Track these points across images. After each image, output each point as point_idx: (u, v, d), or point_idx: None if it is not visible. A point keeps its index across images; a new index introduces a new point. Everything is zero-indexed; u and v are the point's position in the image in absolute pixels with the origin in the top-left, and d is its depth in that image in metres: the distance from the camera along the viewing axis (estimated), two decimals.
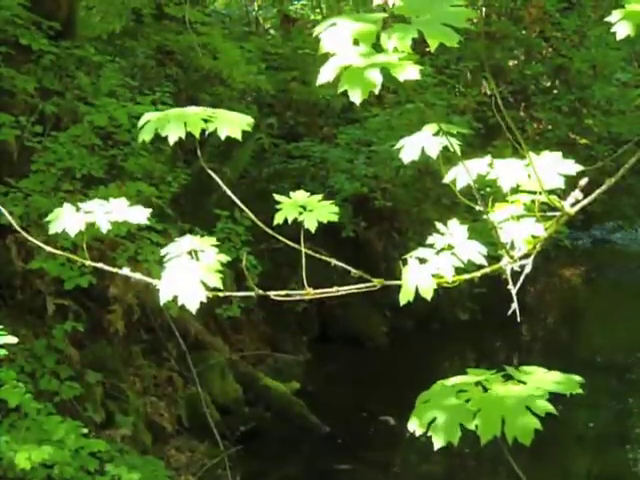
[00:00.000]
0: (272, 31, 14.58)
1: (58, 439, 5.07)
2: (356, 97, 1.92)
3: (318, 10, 15.56)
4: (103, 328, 7.76)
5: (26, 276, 7.28)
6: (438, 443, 2.03)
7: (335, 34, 1.97)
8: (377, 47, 1.96)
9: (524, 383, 2.08)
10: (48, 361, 6.82)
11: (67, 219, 2.40)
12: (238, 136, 2.22)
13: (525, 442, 1.96)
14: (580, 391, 2.09)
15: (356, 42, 1.96)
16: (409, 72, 1.93)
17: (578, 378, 2.13)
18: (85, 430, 5.37)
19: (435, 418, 2.04)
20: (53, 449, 4.79)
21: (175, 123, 2.21)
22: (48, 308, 7.30)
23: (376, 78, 1.92)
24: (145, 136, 2.24)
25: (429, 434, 2.05)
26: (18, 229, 2.52)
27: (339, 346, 10.49)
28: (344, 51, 1.95)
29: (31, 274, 7.18)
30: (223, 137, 2.23)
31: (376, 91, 1.92)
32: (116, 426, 7.26)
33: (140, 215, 2.44)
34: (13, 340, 4.88)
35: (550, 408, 2.01)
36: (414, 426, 2.08)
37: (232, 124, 2.23)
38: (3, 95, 7.48)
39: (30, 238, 2.54)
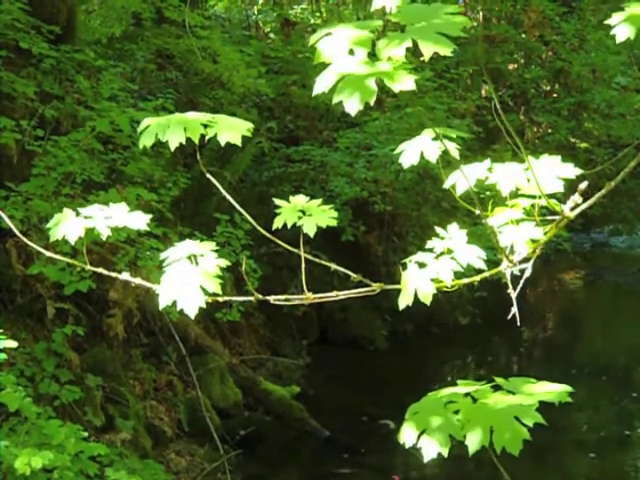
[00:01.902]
0: (272, 35, 14.59)
1: (58, 443, 5.06)
2: (351, 108, 1.93)
3: (318, 14, 15.58)
4: (103, 332, 7.76)
5: (26, 280, 7.28)
6: (428, 455, 2.04)
7: (331, 43, 1.97)
8: (373, 56, 1.96)
9: (513, 393, 2.09)
10: (48, 365, 6.82)
11: (67, 225, 2.40)
12: (238, 142, 2.22)
13: (513, 452, 1.96)
14: (569, 400, 2.09)
15: (351, 51, 1.96)
16: (404, 82, 1.94)
17: (567, 387, 2.13)
18: (85, 434, 5.36)
19: (425, 430, 2.05)
20: (53, 453, 4.79)
21: (175, 128, 2.21)
22: (48, 312, 7.30)
23: (371, 88, 1.92)
24: (145, 141, 2.24)
25: (419, 446, 2.06)
26: (19, 235, 2.51)
27: (339, 350, 10.49)
28: (340, 60, 1.95)
29: (31, 278, 7.18)
30: (223, 143, 2.23)
31: (371, 102, 1.93)
32: (116, 430, 7.25)
33: (140, 221, 2.44)
34: (13, 344, 4.88)
35: (539, 418, 2.01)
36: (404, 438, 2.08)
37: (232, 129, 2.23)
38: (3, 99, 7.49)
39: (30, 244, 2.54)
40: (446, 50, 1.89)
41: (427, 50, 1.90)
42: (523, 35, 14.73)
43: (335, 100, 1.94)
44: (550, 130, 14.32)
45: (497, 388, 2.12)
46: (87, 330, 7.36)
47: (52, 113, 7.57)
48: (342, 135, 11.24)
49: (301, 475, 7.97)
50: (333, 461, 7.96)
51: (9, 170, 7.42)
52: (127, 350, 8.12)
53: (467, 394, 2.09)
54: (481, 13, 14.71)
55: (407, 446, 2.10)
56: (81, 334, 7.12)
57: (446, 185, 2.55)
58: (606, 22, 2.23)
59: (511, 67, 14.84)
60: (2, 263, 7.27)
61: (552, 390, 2.12)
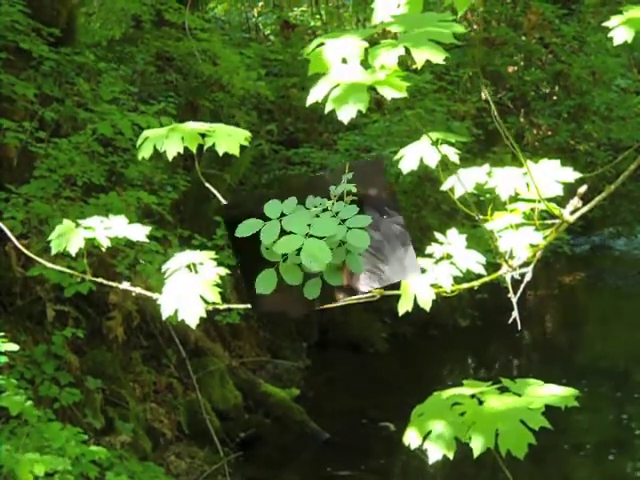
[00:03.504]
0: (272, 37, 14.60)
1: (58, 447, 5.06)
2: (344, 116, 1.93)
3: (318, 17, 15.58)
4: (103, 334, 7.76)
5: (26, 282, 7.28)
6: (434, 456, 2.05)
7: (325, 53, 1.98)
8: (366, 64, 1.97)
9: (519, 396, 2.09)
10: (48, 367, 6.82)
11: (68, 238, 2.43)
12: (236, 152, 2.23)
13: (519, 455, 1.96)
14: (576, 404, 2.09)
15: (344, 61, 1.97)
16: (396, 91, 1.94)
17: (574, 391, 2.13)
18: (85, 437, 5.36)
19: (430, 431, 2.05)
20: (54, 458, 4.78)
21: (173, 139, 2.22)
22: (48, 314, 7.30)
23: (364, 97, 1.93)
24: (144, 153, 2.25)
25: (424, 447, 2.06)
26: (17, 244, 2.52)
27: (339, 352, 10.49)
28: (334, 70, 1.96)
29: (31, 280, 7.18)
30: (221, 153, 2.24)
31: (363, 110, 1.93)
32: (116, 432, 7.25)
33: (139, 233, 2.46)
34: (14, 347, 4.88)
35: (545, 422, 2.01)
36: (410, 439, 2.09)
37: (230, 138, 2.24)
38: (3, 101, 7.49)
39: (30, 254, 2.55)
40: (438, 58, 1.89)
41: (419, 57, 1.90)
42: (523, 37, 14.72)
43: (327, 109, 1.95)
44: (550, 133, 14.31)
45: (503, 389, 2.12)
46: (87, 333, 7.36)
47: (52, 115, 7.57)
48: (342, 137, 11.24)
49: (301, 477, 7.97)
50: (333, 464, 7.96)
51: (9, 172, 7.43)
52: (127, 353, 8.12)
53: (473, 396, 2.09)
54: (480, 15, 14.70)
55: (412, 448, 2.10)
56: (81, 337, 7.12)
57: (444, 188, 2.55)
58: (604, 24, 2.23)
59: (511, 69, 14.83)
60: (2, 266, 7.27)
61: (558, 393, 2.11)
